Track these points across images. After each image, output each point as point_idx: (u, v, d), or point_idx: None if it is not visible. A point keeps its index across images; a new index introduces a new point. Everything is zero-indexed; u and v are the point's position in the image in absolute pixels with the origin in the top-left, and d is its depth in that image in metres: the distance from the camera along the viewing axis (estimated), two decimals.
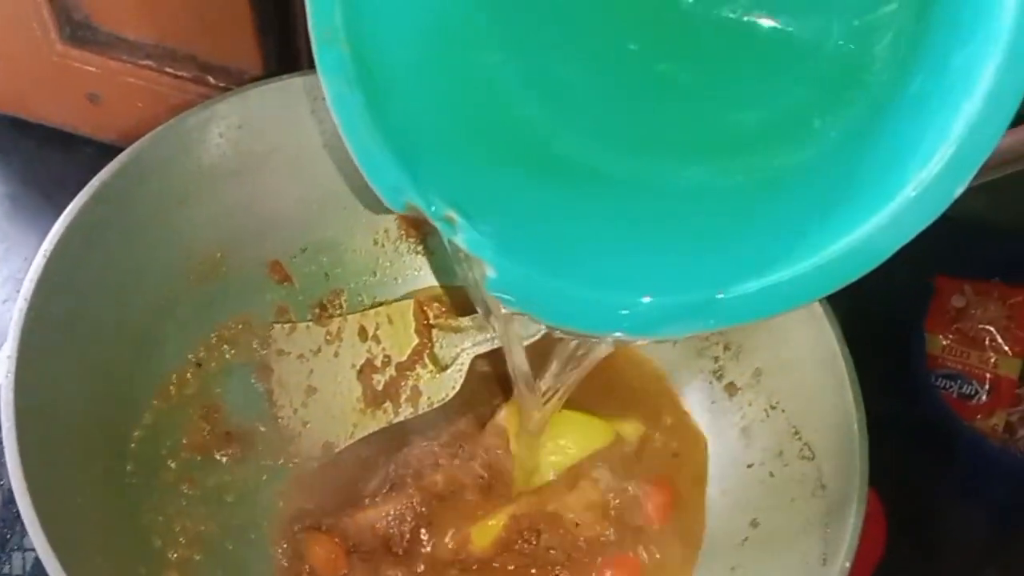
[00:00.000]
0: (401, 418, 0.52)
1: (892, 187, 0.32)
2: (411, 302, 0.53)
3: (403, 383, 0.53)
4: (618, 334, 0.36)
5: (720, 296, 0.34)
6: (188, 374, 0.53)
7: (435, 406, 0.52)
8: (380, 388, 0.53)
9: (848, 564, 0.41)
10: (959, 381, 0.63)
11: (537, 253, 0.36)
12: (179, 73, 0.61)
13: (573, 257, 0.37)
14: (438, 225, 0.36)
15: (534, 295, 0.36)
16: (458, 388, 0.52)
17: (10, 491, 0.44)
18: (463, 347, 0.52)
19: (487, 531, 0.50)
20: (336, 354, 0.54)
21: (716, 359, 0.55)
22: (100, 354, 0.48)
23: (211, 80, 0.60)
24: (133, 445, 0.49)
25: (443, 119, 0.37)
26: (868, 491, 0.47)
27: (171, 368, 0.52)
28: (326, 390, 0.53)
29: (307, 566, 0.49)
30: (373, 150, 0.35)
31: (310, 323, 0.55)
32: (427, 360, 0.52)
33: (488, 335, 0.51)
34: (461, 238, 0.35)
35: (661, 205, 0.38)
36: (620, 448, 0.53)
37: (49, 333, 0.45)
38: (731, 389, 0.53)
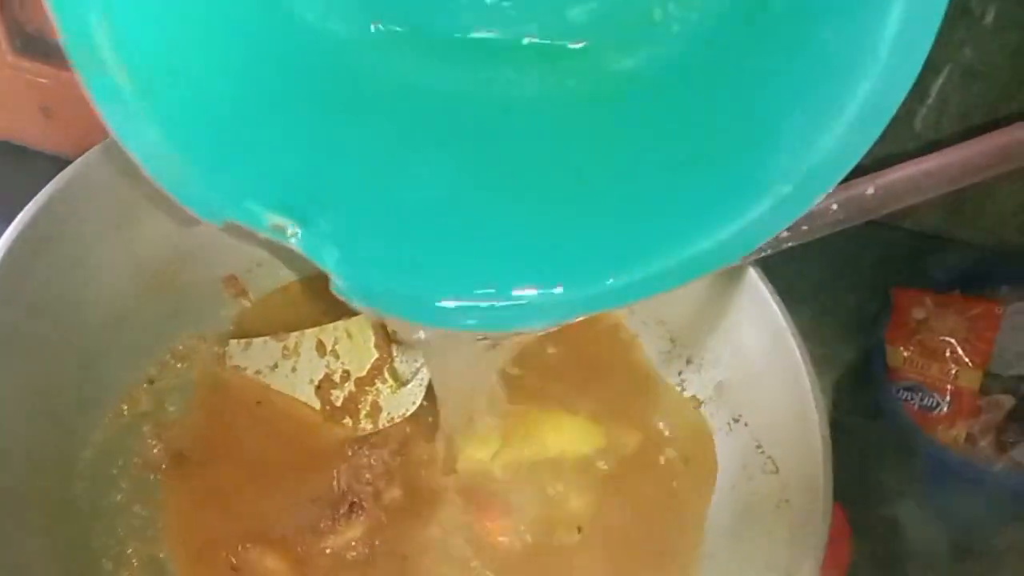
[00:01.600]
0: (360, 435, 0.52)
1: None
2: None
3: (363, 398, 0.52)
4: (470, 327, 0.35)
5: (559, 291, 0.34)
6: (140, 392, 0.52)
7: (395, 422, 0.51)
8: (339, 404, 0.52)
9: None
10: (920, 393, 0.63)
11: (381, 247, 0.35)
12: None
13: (418, 246, 0.36)
14: (269, 235, 0.34)
15: (381, 299, 0.35)
16: (419, 403, 0.51)
17: None
18: (423, 361, 0.51)
19: None
20: (294, 369, 0.53)
21: (680, 372, 0.54)
22: (45, 372, 0.47)
23: None
24: (82, 466, 0.48)
25: (229, 92, 0.35)
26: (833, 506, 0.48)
27: (122, 385, 0.51)
28: None
29: None
30: (178, 173, 0.33)
31: (267, 338, 0.54)
32: (387, 375, 0.52)
33: None
34: (298, 244, 0.34)
35: (497, 145, 0.37)
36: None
37: None
38: (694, 402, 0.53)
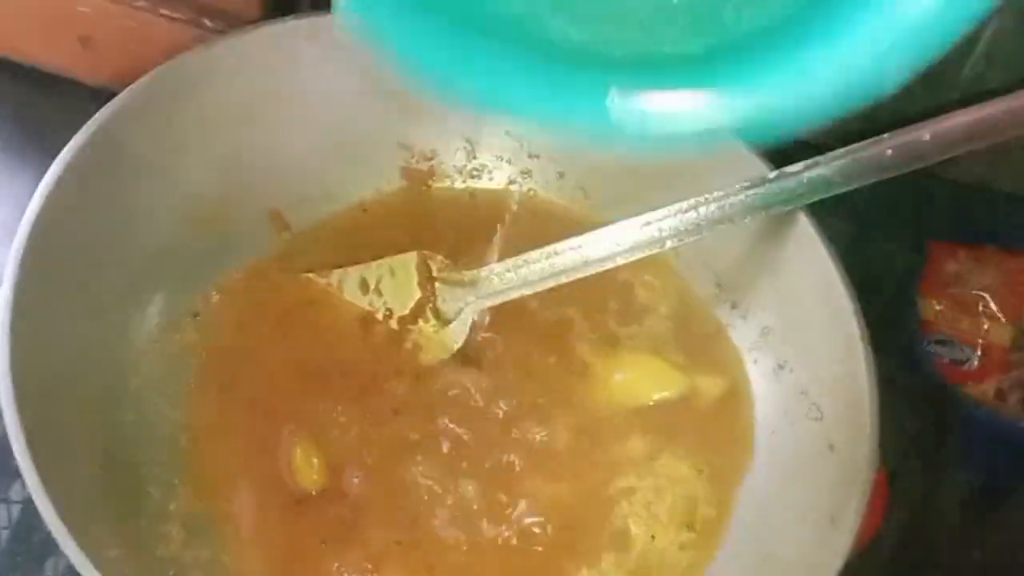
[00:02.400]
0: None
1: None
2: (414, 254, 0.53)
3: (405, 337, 0.53)
4: None
5: None
6: (186, 324, 0.52)
7: (436, 362, 0.52)
8: (380, 341, 0.53)
9: (857, 526, 0.41)
10: (951, 347, 0.63)
11: None
12: (174, 15, 0.59)
13: None
14: None
15: None
16: (460, 344, 0.52)
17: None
18: (467, 301, 0.52)
19: None
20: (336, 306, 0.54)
21: (725, 318, 0.55)
22: (96, 300, 0.48)
23: (207, 23, 0.59)
24: (130, 395, 0.49)
25: None
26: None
27: (169, 316, 0.52)
28: None
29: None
30: None
31: (310, 274, 0.54)
32: (430, 315, 0.52)
33: (491, 289, 0.51)
34: None
35: None
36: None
37: (44, 278, 0.44)
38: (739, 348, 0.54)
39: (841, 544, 0.41)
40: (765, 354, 0.52)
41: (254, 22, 0.54)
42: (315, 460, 0.49)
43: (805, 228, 0.49)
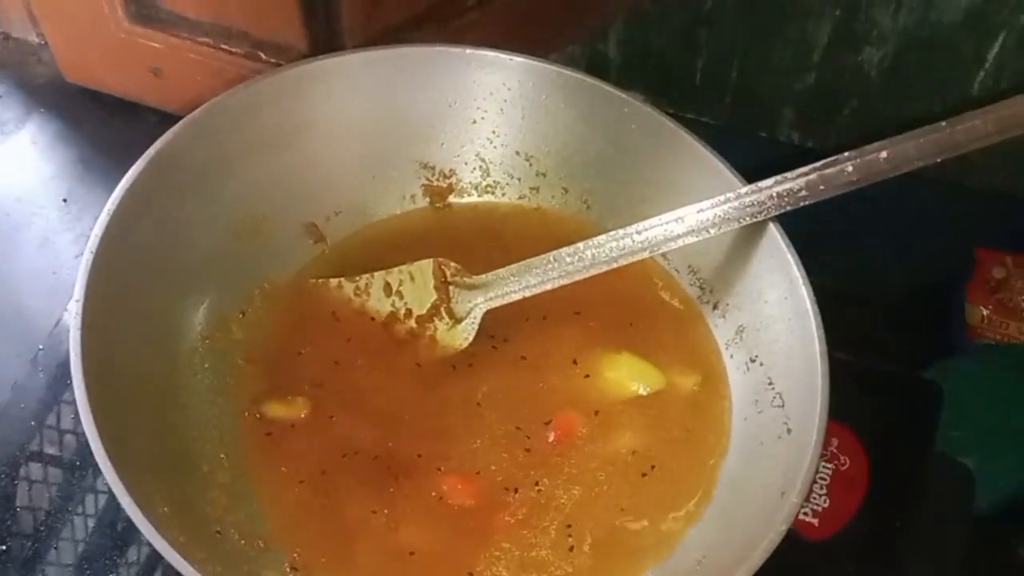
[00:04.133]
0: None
1: None
2: (431, 261, 0.58)
3: (422, 334, 0.58)
4: None
5: None
6: (233, 321, 0.58)
7: (448, 354, 0.58)
8: (401, 337, 0.58)
9: (800, 499, 0.46)
10: None
11: None
12: (234, 49, 0.65)
13: None
14: None
15: None
16: (471, 339, 0.57)
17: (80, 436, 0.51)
18: (476, 302, 0.57)
19: None
20: (363, 306, 0.59)
21: (707, 317, 0.60)
22: (155, 301, 0.53)
23: (262, 56, 0.64)
24: (184, 381, 0.54)
25: None
26: (848, 433, 0.55)
27: (219, 315, 0.57)
28: None
29: None
30: None
31: (342, 279, 0.60)
32: (444, 313, 0.58)
33: (499, 291, 0.57)
34: None
35: None
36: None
37: (110, 281, 0.50)
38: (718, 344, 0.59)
39: (787, 511, 0.45)
40: (739, 349, 0.57)
41: (303, 56, 0.60)
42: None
43: (775, 238, 0.54)
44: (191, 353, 0.56)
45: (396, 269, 0.59)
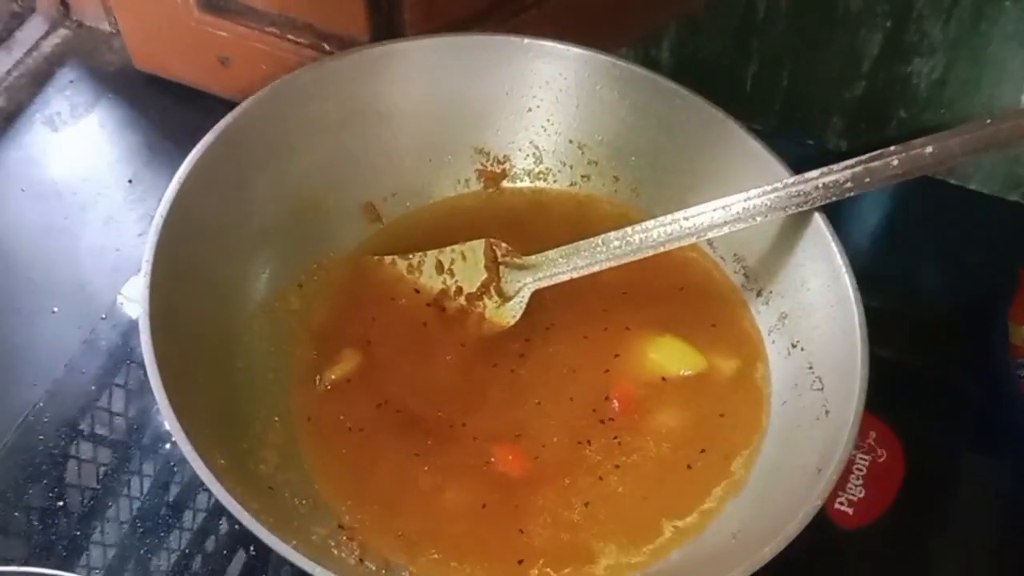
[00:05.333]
0: None
1: None
2: (483, 241, 0.60)
3: (472, 311, 0.60)
4: None
5: None
6: (291, 293, 0.59)
7: (495, 332, 0.59)
8: (451, 314, 0.60)
9: (836, 476, 0.47)
10: None
11: None
12: (299, 40, 0.67)
13: None
14: None
15: None
16: (518, 317, 0.59)
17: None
18: (525, 282, 0.59)
19: None
20: (415, 284, 0.61)
21: (751, 304, 0.61)
22: (217, 268, 0.56)
23: (326, 47, 0.66)
24: (244, 347, 0.56)
25: None
26: (886, 427, 0.57)
27: (278, 286, 0.59)
28: None
29: None
30: None
31: (395, 257, 0.61)
32: (493, 292, 0.59)
33: (547, 272, 0.58)
34: None
35: None
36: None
37: (176, 252, 0.52)
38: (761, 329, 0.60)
39: (822, 487, 0.46)
40: (782, 335, 0.58)
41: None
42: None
43: (819, 226, 0.55)
44: (250, 319, 0.57)
45: (449, 248, 0.60)
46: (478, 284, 0.60)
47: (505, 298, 0.59)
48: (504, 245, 0.60)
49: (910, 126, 0.78)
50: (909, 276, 0.71)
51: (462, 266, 0.60)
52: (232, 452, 0.50)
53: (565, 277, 0.58)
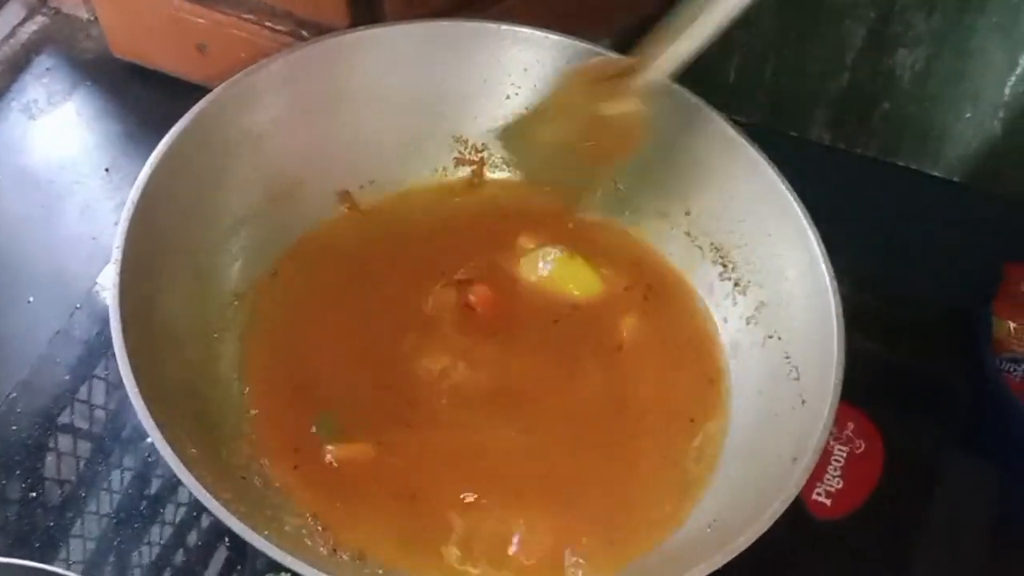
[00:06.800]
0: None
1: None
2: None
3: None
4: None
5: None
6: (264, 281, 0.59)
7: None
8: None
9: (812, 465, 0.47)
10: (1023, 366, 0.64)
11: None
12: (277, 27, 0.66)
13: None
14: None
15: None
16: None
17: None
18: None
19: None
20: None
21: (728, 294, 0.60)
22: (190, 256, 0.55)
23: (305, 34, 0.66)
24: (216, 336, 0.56)
25: None
26: (865, 418, 0.57)
27: (250, 275, 0.59)
28: None
29: None
30: None
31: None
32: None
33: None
34: None
35: None
36: None
37: (148, 240, 0.52)
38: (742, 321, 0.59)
39: (798, 476, 0.47)
40: (759, 325, 0.58)
41: None
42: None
43: (796, 215, 0.55)
44: (223, 309, 0.57)
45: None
46: None
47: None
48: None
49: (894, 117, 0.78)
50: (893, 269, 0.71)
51: None
52: (205, 441, 0.50)
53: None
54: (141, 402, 0.46)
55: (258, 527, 0.44)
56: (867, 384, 0.52)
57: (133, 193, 0.52)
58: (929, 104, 0.77)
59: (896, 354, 0.66)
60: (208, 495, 0.44)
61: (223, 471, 0.50)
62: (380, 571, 0.50)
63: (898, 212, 0.74)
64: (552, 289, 0.60)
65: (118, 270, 0.50)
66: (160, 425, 0.45)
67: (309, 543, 0.50)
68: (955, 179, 0.79)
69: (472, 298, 0.59)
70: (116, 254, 0.50)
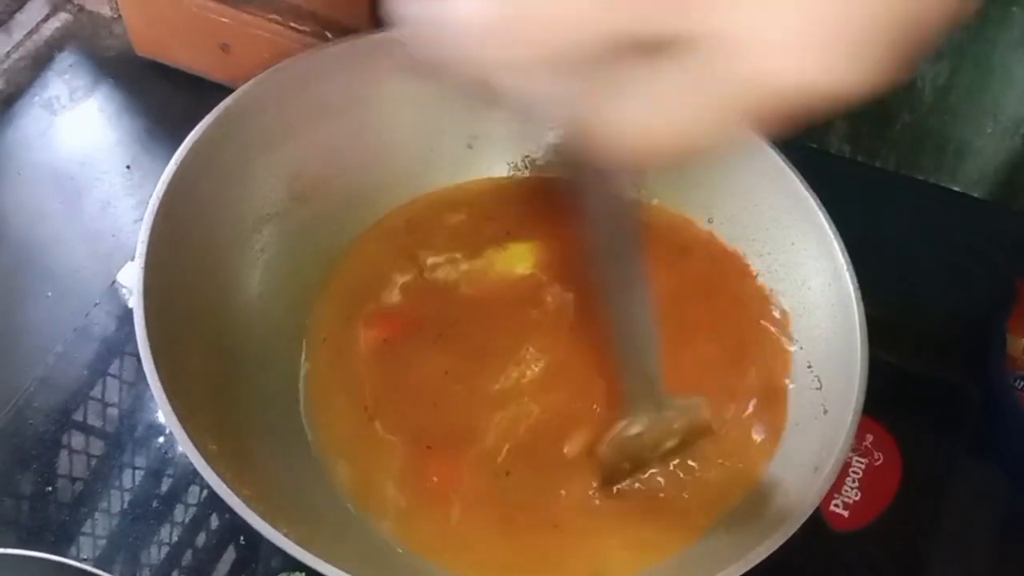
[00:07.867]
0: None
1: None
2: None
3: None
4: None
5: None
6: (288, 282, 0.59)
7: None
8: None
9: (834, 475, 0.47)
10: None
11: None
12: (301, 28, 0.67)
13: None
14: None
15: None
16: None
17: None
18: None
19: None
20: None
21: None
22: (214, 253, 0.55)
23: (328, 36, 0.66)
24: (239, 335, 0.56)
25: None
26: (883, 430, 0.57)
27: (274, 274, 0.58)
28: None
29: None
30: None
31: None
32: None
33: None
34: None
35: None
36: None
37: (171, 237, 0.51)
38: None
39: (820, 486, 0.46)
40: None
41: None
42: None
43: (821, 224, 0.55)
44: (246, 307, 0.57)
45: None
46: None
47: None
48: None
49: (914, 131, 0.78)
50: (909, 283, 0.70)
51: None
52: (226, 436, 0.49)
53: None
54: (165, 397, 0.46)
55: (278, 524, 0.44)
56: (885, 396, 0.51)
57: (158, 190, 0.52)
58: (949, 118, 0.76)
59: (914, 367, 0.66)
60: (229, 491, 0.44)
61: (243, 467, 0.49)
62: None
63: (916, 225, 0.74)
64: None
65: (142, 266, 0.49)
66: (182, 421, 0.45)
67: None
68: (974, 194, 0.78)
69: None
70: (140, 249, 0.50)
